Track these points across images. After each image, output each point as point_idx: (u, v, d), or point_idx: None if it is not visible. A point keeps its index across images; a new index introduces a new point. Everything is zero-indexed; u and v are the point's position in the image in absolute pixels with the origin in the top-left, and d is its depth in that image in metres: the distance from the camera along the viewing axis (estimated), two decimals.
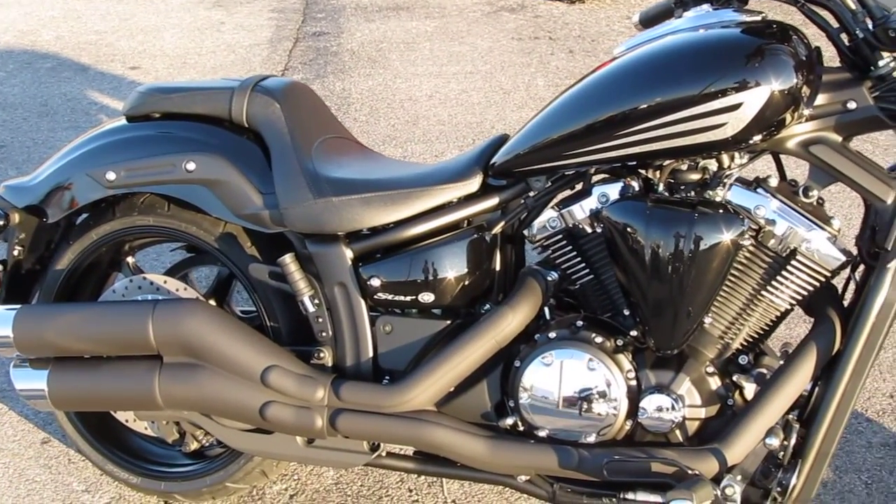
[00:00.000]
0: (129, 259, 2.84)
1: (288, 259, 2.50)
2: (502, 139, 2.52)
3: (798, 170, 2.30)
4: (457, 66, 5.80)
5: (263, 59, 6.04)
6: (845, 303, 2.38)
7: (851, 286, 2.40)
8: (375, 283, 2.47)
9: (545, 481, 2.48)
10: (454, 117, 5.15)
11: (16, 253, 2.77)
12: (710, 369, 2.36)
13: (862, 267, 2.34)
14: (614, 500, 2.40)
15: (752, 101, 2.14)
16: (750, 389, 2.36)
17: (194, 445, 2.77)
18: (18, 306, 2.65)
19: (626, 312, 2.37)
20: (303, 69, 5.86)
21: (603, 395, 2.35)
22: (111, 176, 2.58)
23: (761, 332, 2.36)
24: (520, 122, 4.99)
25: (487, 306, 2.50)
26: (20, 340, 2.59)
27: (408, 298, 2.48)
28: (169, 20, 6.71)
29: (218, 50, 6.18)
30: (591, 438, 2.38)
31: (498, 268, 2.51)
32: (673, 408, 2.34)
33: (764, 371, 2.36)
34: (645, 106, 2.22)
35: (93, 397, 2.61)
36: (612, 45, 6.14)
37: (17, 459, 3.05)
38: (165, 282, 2.72)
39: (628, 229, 2.25)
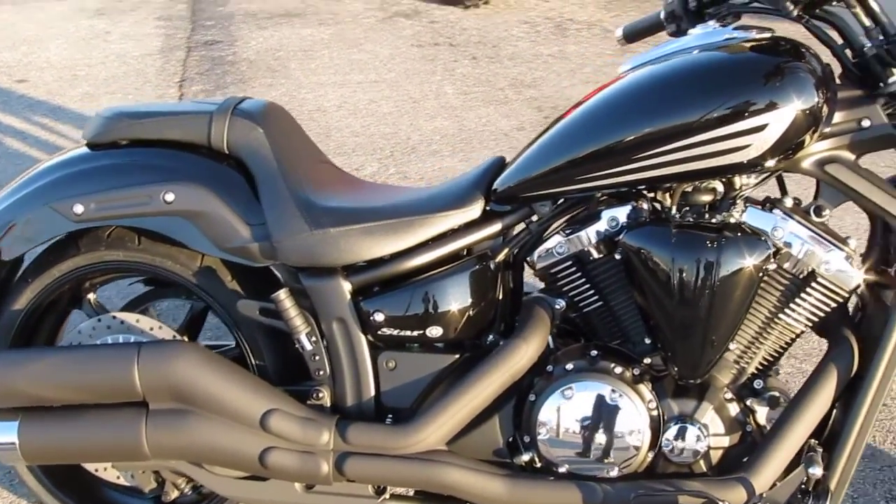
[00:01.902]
0: (91, 296, 2.62)
1: (282, 295, 2.33)
2: (500, 162, 2.41)
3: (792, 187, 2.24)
4: (361, 75, 5.65)
5: (157, 69, 5.77)
6: None
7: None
8: (379, 317, 2.32)
9: None
10: (367, 128, 4.99)
11: None
12: (728, 395, 2.30)
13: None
14: None
15: (776, 121, 2.08)
16: (762, 413, 2.30)
17: (174, 494, 2.57)
18: None
19: (647, 340, 2.27)
20: (200, 80, 5.62)
21: (626, 427, 2.25)
22: (79, 209, 2.37)
23: (776, 355, 2.30)
24: (434, 131, 4.89)
25: (491, 337, 2.38)
26: None
27: (414, 333, 2.34)
28: (51, 30, 6.38)
29: (108, 61, 5.89)
30: (614, 473, 2.28)
31: (500, 297, 2.39)
32: (697, 438, 2.27)
33: (776, 394, 2.30)
34: (663, 128, 2.14)
35: (70, 449, 2.39)
36: (513, 50, 6.08)
37: None
38: (138, 321, 2.52)
39: (653, 255, 2.15)
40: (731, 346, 2.25)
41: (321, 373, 2.38)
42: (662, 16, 2.49)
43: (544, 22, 6.51)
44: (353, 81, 5.56)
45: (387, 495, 2.41)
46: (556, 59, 5.93)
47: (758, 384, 2.30)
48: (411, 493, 2.46)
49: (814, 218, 2.22)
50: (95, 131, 2.47)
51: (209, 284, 2.44)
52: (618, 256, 2.24)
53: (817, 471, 2.17)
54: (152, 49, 6.05)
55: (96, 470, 2.60)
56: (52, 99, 5.40)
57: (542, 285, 2.40)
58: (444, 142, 4.89)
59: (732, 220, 2.20)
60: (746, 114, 2.08)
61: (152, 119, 2.44)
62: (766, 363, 2.30)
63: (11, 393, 2.36)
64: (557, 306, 2.34)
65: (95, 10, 6.72)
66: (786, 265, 2.19)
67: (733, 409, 2.29)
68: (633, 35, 2.65)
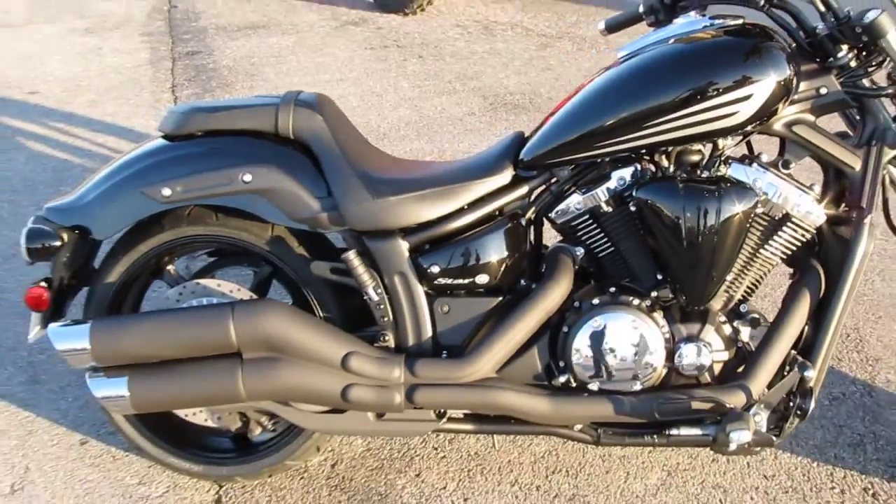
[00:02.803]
0: (170, 267, 2.59)
1: (352, 255, 2.34)
2: (521, 136, 2.47)
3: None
4: (327, 75, 5.60)
5: (150, 77, 5.65)
6: None
7: None
8: (434, 270, 2.35)
9: (590, 427, 2.42)
10: None
11: (60, 271, 2.48)
12: (722, 319, 2.39)
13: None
14: (655, 437, 2.39)
15: (759, 92, 2.19)
16: (746, 332, 2.41)
17: (258, 431, 2.56)
18: (89, 321, 2.37)
19: (659, 276, 2.33)
20: (189, 85, 5.52)
21: (646, 348, 2.33)
22: (167, 192, 2.34)
23: (756, 284, 2.38)
24: (399, 120, 4.89)
25: (523, 282, 2.43)
26: (98, 351, 2.33)
27: (463, 281, 2.38)
28: (48, 48, 6.19)
29: (105, 72, 5.74)
30: (637, 387, 2.36)
31: (529, 248, 2.44)
32: (701, 354, 2.35)
33: (756, 316, 2.40)
34: (664, 102, 2.24)
35: (175, 398, 2.36)
36: (452, 49, 6.07)
37: (62, 462, 2.75)
38: (219, 285, 2.50)
39: (664, 206, 2.24)
40: (727, 277, 2.32)
41: (385, 319, 2.39)
42: (641, 9, 2.55)
43: (473, 24, 6.51)
44: (321, 81, 5.51)
45: (445, 419, 2.43)
46: (489, 55, 5.95)
47: (743, 308, 2.40)
48: (460, 414, 2.48)
49: (782, 170, 2.30)
50: (174, 124, 2.43)
51: (280, 251, 2.43)
52: (632, 208, 2.29)
53: (811, 373, 2.26)
54: (142, 61, 5.91)
55: (186, 415, 2.57)
56: (62, 107, 5.26)
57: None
58: (409, 128, 4.88)
59: (714, 175, 2.28)
60: (733, 86, 2.19)
61: (225, 112, 2.42)
62: (748, 291, 2.38)
63: (121, 353, 2.33)
64: (577, 254, 2.39)
65: (84, 30, 6.53)
66: (765, 210, 2.26)
67: (727, 329, 2.37)
68: (614, 27, 2.71)
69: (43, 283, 2.46)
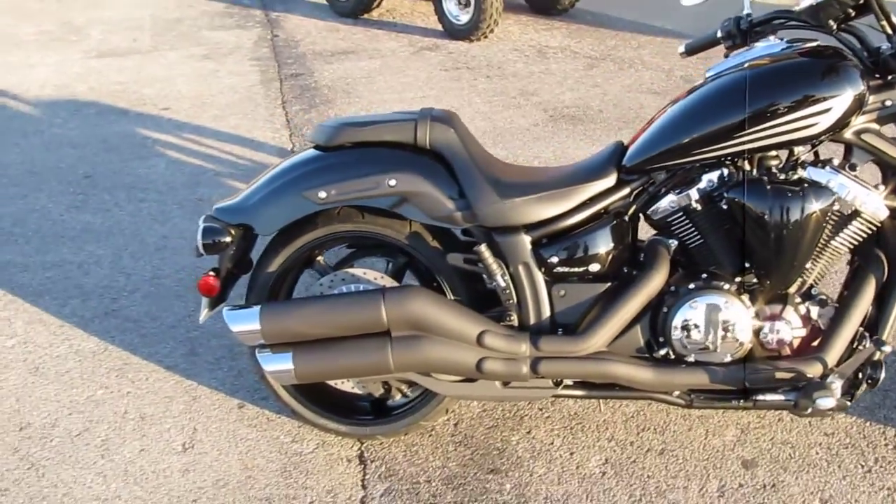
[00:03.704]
0: (320, 258, 2.55)
1: (483, 248, 2.32)
2: (621, 145, 2.43)
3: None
4: (411, 93, 5.54)
5: (262, 95, 5.62)
6: None
7: None
8: (553, 260, 2.32)
9: (684, 393, 2.37)
10: None
11: (226, 262, 2.46)
12: (798, 300, 2.34)
13: None
14: (742, 401, 2.34)
15: (836, 105, 2.16)
16: (815, 311, 2.35)
17: (398, 396, 2.52)
18: (258, 305, 2.35)
19: (746, 264, 2.28)
20: (297, 102, 5.49)
21: (735, 325, 2.29)
22: (323, 194, 2.31)
23: (826, 270, 2.32)
24: (476, 130, 4.82)
25: (625, 270, 2.38)
26: (267, 332, 2.32)
27: (578, 270, 2.33)
28: (174, 71, 6.17)
29: (224, 91, 5.72)
30: (727, 358, 2.31)
31: (630, 241, 2.40)
32: (782, 330, 2.29)
33: (824, 297, 2.35)
34: (753, 114, 2.18)
35: (333, 370, 2.34)
36: (513, 69, 5.99)
37: (224, 424, 2.72)
38: (365, 273, 2.46)
39: (755, 205, 2.21)
40: (806, 265, 2.27)
41: (510, 302, 2.35)
42: (719, 34, 2.47)
43: (529, 48, 6.43)
44: (407, 97, 5.46)
45: (562, 386, 2.39)
46: (545, 74, 5.87)
47: (814, 291, 2.33)
48: (571, 382, 2.43)
49: (850, 172, 2.25)
50: (327, 137, 2.40)
51: (417, 244, 2.41)
52: (723, 206, 2.25)
53: (887, 348, 2.19)
54: (254, 81, 5.89)
55: (335, 384, 2.54)
56: (192, 121, 5.25)
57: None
58: (485, 137, 4.82)
59: (796, 177, 2.23)
60: (814, 101, 2.14)
61: (371, 126, 2.38)
62: (820, 275, 2.32)
63: (286, 332, 2.31)
64: (671, 245, 2.35)
65: (202, 55, 6.51)
66: (839, 206, 2.20)
67: (802, 308, 2.33)
68: (693, 50, 2.63)
69: (212, 273, 2.45)
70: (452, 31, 6.59)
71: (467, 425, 2.67)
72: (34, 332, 3.24)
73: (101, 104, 5.61)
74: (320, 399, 2.59)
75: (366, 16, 7.34)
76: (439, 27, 6.73)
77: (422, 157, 2.34)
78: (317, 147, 2.45)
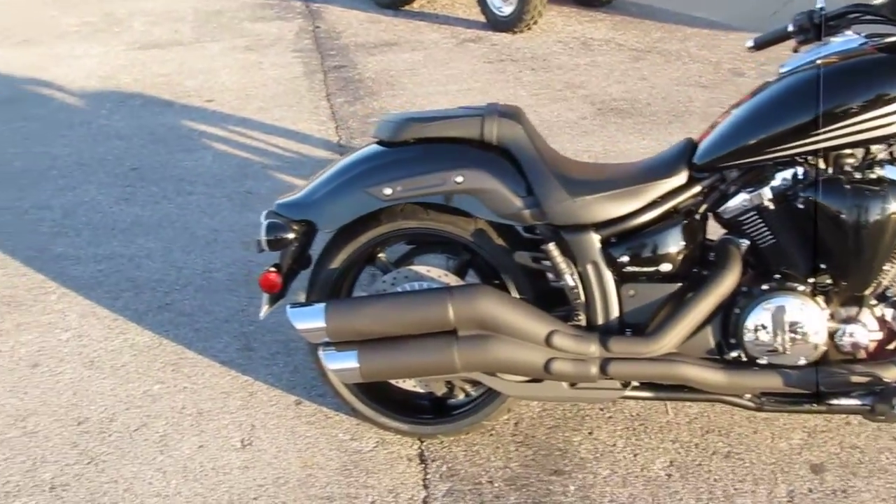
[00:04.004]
0: (381, 255, 2.52)
1: (552, 246, 2.28)
2: (691, 142, 2.37)
3: None
4: (456, 85, 5.49)
5: (307, 87, 5.60)
6: None
7: None
8: (624, 259, 2.27)
9: (755, 396, 2.32)
10: None
11: (288, 258, 2.44)
12: (873, 301, 2.27)
13: None
14: (814, 405, 2.28)
15: None
16: (891, 313, 2.27)
17: (461, 396, 2.49)
18: (322, 303, 2.32)
19: (822, 265, 2.22)
20: (341, 94, 5.46)
21: (810, 328, 2.22)
22: (388, 191, 2.28)
23: None
24: None
25: (695, 269, 2.33)
26: (332, 329, 2.29)
27: (649, 269, 2.29)
28: (216, 63, 6.17)
29: (268, 83, 5.71)
30: (801, 361, 2.25)
31: (700, 240, 2.34)
32: (858, 333, 2.23)
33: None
34: (831, 112, 2.12)
35: (398, 369, 2.31)
36: (558, 62, 5.92)
37: (282, 420, 2.71)
38: (428, 270, 2.43)
39: (834, 204, 2.16)
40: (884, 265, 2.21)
41: (577, 301, 2.30)
42: (791, 28, 2.40)
43: (573, 41, 6.36)
44: (452, 90, 5.41)
45: (630, 387, 2.35)
46: (590, 67, 5.80)
47: (890, 293, 2.28)
48: (637, 383, 2.38)
49: None
50: (391, 132, 2.37)
51: (482, 241, 2.38)
52: (799, 206, 2.19)
53: None
54: (297, 73, 5.86)
55: (396, 382, 2.51)
56: (237, 113, 5.24)
57: None
58: None
59: (873, 176, 2.17)
60: (891, 99, 2.10)
61: (437, 122, 2.34)
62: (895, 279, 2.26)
63: (351, 330, 2.29)
64: (743, 245, 2.29)
65: (245, 47, 6.50)
66: None
67: (878, 311, 2.27)
68: (763, 44, 2.57)
69: (273, 269, 2.42)
70: (495, 23, 6.53)
71: (528, 425, 2.63)
72: (88, 325, 3.24)
73: (146, 96, 5.62)
74: (380, 397, 2.56)
75: (407, 7, 7.29)
76: (481, 19, 6.67)
77: (489, 154, 2.31)
78: (380, 142, 2.42)
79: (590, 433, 2.60)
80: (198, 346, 3.08)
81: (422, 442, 2.58)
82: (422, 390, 2.52)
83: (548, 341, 2.24)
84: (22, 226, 4.01)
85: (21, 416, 2.76)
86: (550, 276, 2.40)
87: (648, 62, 5.83)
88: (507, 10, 6.41)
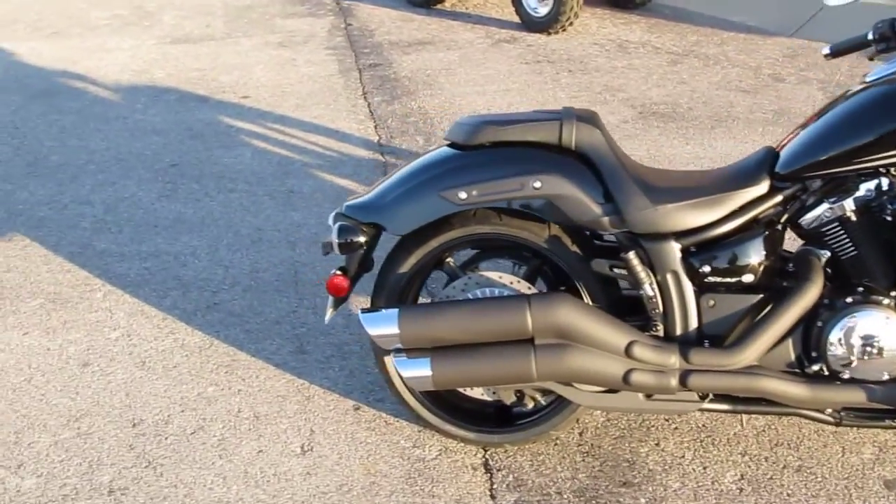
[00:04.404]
0: (449, 260, 2.48)
1: (632, 255, 2.22)
2: (772, 150, 2.31)
3: None
4: (493, 86, 5.44)
5: (342, 86, 5.55)
6: None
7: None
8: (705, 269, 2.22)
9: (835, 410, 2.27)
10: None
11: (355, 262, 2.40)
12: None
13: None
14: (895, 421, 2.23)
15: None
16: None
17: (531, 404, 2.44)
18: (396, 308, 2.28)
19: None
20: (378, 93, 5.41)
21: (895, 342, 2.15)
22: (463, 195, 2.23)
23: None
24: None
25: (776, 281, 2.28)
26: (405, 335, 2.24)
27: (730, 280, 2.23)
28: (250, 59, 6.12)
29: (303, 80, 5.66)
30: (886, 376, 2.20)
31: (781, 251, 2.30)
32: None
33: None
34: None
35: (472, 377, 2.26)
36: (595, 64, 5.87)
37: (342, 426, 2.66)
38: (500, 277, 2.38)
39: None
40: None
41: (655, 311, 2.25)
42: (871, 36, 2.35)
43: (609, 43, 6.30)
44: (490, 91, 5.36)
45: (708, 399, 2.30)
46: (628, 70, 5.74)
47: None
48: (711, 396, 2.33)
49: None
50: (466, 135, 2.32)
51: (556, 248, 2.33)
52: (888, 218, 2.14)
53: None
54: (333, 71, 5.82)
55: (465, 390, 2.47)
56: (274, 110, 5.20)
57: None
58: None
59: None
60: None
61: (514, 126, 2.29)
62: None
63: (426, 337, 2.24)
64: (824, 256, 2.25)
65: (277, 44, 6.45)
66: None
67: None
68: (840, 52, 2.51)
69: (339, 272, 2.38)
70: (530, 24, 6.47)
71: (593, 435, 2.59)
72: (137, 324, 3.20)
73: (181, 91, 5.58)
74: (445, 405, 2.52)
75: (438, 6, 7.24)
76: (515, 19, 6.62)
77: (567, 159, 2.26)
78: (451, 145, 2.37)
79: (657, 444, 2.55)
80: (250, 347, 3.04)
81: (485, 451, 2.54)
82: (489, 398, 2.46)
83: (627, 352, 2.19)
84: (63, 221, 3.97)
85: (74, 416, 2.72)
86: (623, 284, 2.36)
87: (687, 66, 5.77)
88: (543, 10, 6.36)
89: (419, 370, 2.25)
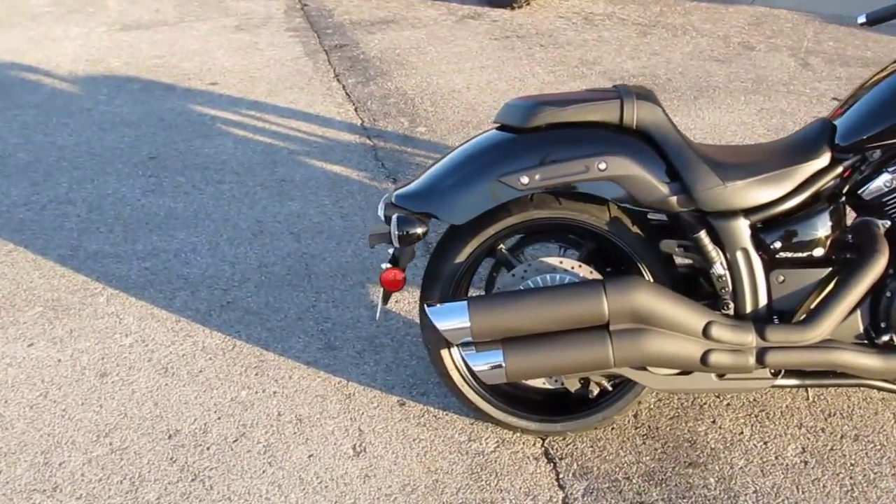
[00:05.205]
0: (501, 247, 2.40)
1: (703, 234, 2.18)
2: (827, 122, 2.29)
3: None
4: (468, 63, 5.35)
5: (312, 68, 5.39)
6: None
7: None
8: (776, 245, 2.19)
9: None
10: (498, 102, 4.72)
11: (408, 253, 2.31)
12: None
13: None
14: None
15: None
16: None
17: (596, 391, 2.39)
18: (464, 300, 2.19)
19: None
20: (350, 74, 5.27)
21: None
22: (525, 180, 2.15)
23: None
24: None
25: (841, 253, 2.26)
26: (476, 328, 2.16)
27: (802, 255, 2.21)
28: (209, 44, 5.90)
29: (270, 64, 5.48)
30: None
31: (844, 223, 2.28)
32: None
33: None
34: None
35: (547, 367, 2.19)
36: (565, 38, 5.82)
37: (390, 423, 2.57)
38: (561, 262, 2.32)
39: None
40: None
41: (725, 290, 2.22)
42: None
43: (574, 16, 6.25)
44: (466, 68, 5.26)
45: (780, 376, 2.28)
46: (599, 42, 5.71)
47: None
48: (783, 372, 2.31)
49: None
50: (521, 117, 2.24)
51: (618, 230, 2.26)
52: None
53: None
54: (298, 53, 5.64)
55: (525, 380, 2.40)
56: (246, 96, 5.01)
57: None
58: None
59: None
60: None
61: (573, 106, 2.21)
62: None
63: (497, 328, 2.16)
64: (884, 227, 2.24)
65: (235, 27, 6.23)
66: None
67: None
68: (877, 20, 2.50)
69: (391, 265, 2.28)
70: None
71: (647, 416, 2.55)
72: (150, 328, 3.04)
73: (143, 80, 5.35)
74: (503, 396, 2.45)
75: None
76: None
77: (629, 138, 2.19)
78: (502, 128, 2.28)
79: (713, 422, 2.52)
80: (276, 346, 2.92)
81: (543, 440, 2.48)
82: (551, 387, 2.40)
83: (705, 332, 2.15)
84: (45, 223, 3.76)
85: (103, 431, 2.57)
86: (679, 261, 2.32)
87: (656, 37, 5.77)
88: None
89: (492, 363, 2.17)
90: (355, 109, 4.77)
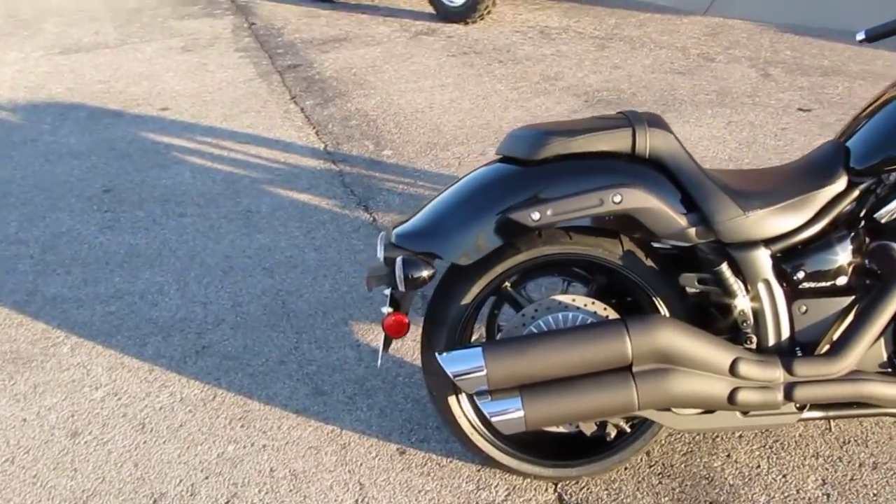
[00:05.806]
0: (506, 285, 2.27)
1: (724, 267, 2.08)
2: (840, 144, 2.22)
3: None
4: (427, 81, 5.22)
5: (267, 90, 5.20)
6: None
7: None
8: (799, 275, 2.11)
9: None
10: (464, 122, 4.62)
11: (410, 297, 2.17)
12: None
13: None
14: None
15: None
16: None
17: (614, 433, 2.28)
18: (478, 346, 2.06)
19: None
20: (307, 96, 5.10)
21: None
22: (536, 215, 2.04)
23: None
24: (514, 119, 4.55)
25: (861, 280, 2.19)
26: (493, 375, 2.03)
27: (826, 284, 2.13)
28: (156, 67, 5.67)
29: (222, 87, 5.27)
30: None
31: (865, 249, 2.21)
32: None
33: None
34: None
35: (569, 413, 2.07)
36: (524, 53, 5.73)
37: (392, 474, 2.42)
38: (574, 300, 2.20)
39: None
40: None
41: (746, 324, 2.13)
42: None
43: (529, 30, 6.18)
44: (426, 87, 5.14)
45: (806, 409, 2.20)
46: (559, 57, 5.64)
47: None
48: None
49: None
50: (528, 149, 2.12)
51: (632, 263, 2.16)
52: None
53: None
54: (251, 75, 5.45)
55: None
56: (199, 121, 4.81)
57: None
58: None
59: None
60: None
61: (582, 136, 2.10)
62: None
63: (515, 374, 2.04)
64: None
65: (181, 48, 6.01)
66: None
67: None
68: (875, 37, 2.46)
69: (393, 310, 2.14)
70: (446, 14, 6.28)
71: (660, 453, 2.45)
72: (121, 379, 2.84)
73: (89, 106, 5.10)
74: (514, 443, 2.33)
75: (343, 0, 6.94)
76: (429, 9, 6.42)
77: (643, 168, 2.09)
78: (505, 159, 2.16)
79: (728, 456, 2.43)
80: (260, 394, 2.75)
81: (555, 485, 2.36)
82: (566, 430, 2.29)
83: (732, 370, 2.05)
84: None
85: (80, 498, 2.37)
86: (691, 292, 2.23)
87: (615, 50, 5.72)
88: (459, 0, 6.18)
89: (510, 411, 2.04)
90: (316, 133, 4.60)
